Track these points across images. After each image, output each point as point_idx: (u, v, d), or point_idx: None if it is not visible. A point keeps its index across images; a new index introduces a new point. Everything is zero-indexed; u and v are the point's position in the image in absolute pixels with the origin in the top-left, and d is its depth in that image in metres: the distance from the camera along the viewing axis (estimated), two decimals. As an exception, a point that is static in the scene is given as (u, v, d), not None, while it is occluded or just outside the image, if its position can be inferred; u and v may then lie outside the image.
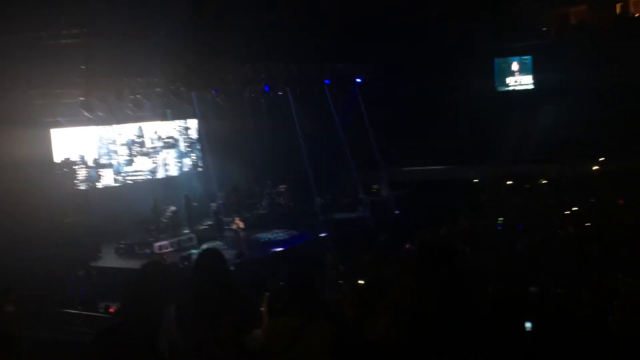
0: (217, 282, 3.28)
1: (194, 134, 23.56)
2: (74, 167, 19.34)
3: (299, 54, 20.96)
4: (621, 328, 4.62)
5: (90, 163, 19.85)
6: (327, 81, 23.20)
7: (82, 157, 19.60)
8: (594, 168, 20.52)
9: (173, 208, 20.08)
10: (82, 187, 19.50)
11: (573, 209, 14.83)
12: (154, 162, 22.09)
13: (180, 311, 2.83)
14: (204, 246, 18.52)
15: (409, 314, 3.11)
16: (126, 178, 21.03)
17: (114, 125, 20.23)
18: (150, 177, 21.91)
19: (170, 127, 22.74)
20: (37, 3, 14.84)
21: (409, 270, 3.25)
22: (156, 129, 21.90)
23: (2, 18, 14.21)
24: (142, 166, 21.65)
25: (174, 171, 22.88)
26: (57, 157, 18.75)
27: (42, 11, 15.06)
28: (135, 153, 21.42)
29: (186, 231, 19.64)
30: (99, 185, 20.08)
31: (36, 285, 12.04)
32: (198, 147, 23.63)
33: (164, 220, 19.59)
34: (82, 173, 19.59)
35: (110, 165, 20.54)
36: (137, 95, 18.40)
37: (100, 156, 20.19)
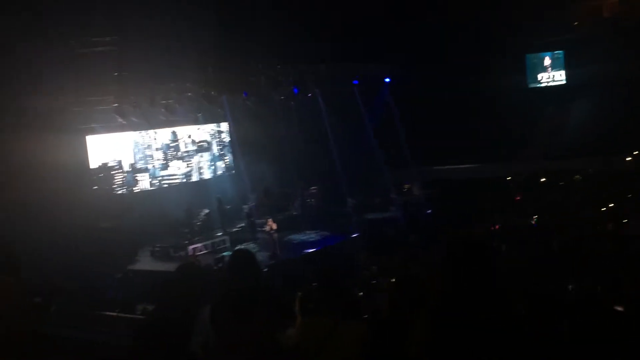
0: (249, 280, 3.33)
1: (225, 137, 23.79)
2: (111, 172, 19.71)
3: (327, 55, 21.00)
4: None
5: (127, 168, 20.22)
6: (355, 82, 23.21)
7: (119, 162, 19.96)
8: (627, 159, 20.11)
9: (206, 211, 20.32)
10: (120, 191, 19.87)
11: (610, 205, 14.56)
12: (187, 166, 22.36)
13: (213, 311, 2.88)
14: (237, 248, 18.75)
15: (442, 314, 3.09)
16: (162, 182, 21.36)
17: (149, 131, 20.58)
18: (185, 181, 22.20)
19: (203, 131, 23.00)
20: (69, 12, 15.11)
21: (439, 268, 3.24)
22: (189, 133, 22.16)
23: (37, 28, 14.53)
24: (176, 170, 21.94)
25: (207, 174, 23.12)
26: (94, 163, 19.10)
27: (74, 20, 15.36)
28: (170, 157, 21.74)
29: (219, 233, 19.84)
30: (136, 189, 20.44)
31: (76, 288, 12.29)
32: (230, 150, 23.84)
33: (198, 223, 19.83)
34: (119, 178, 19.95)
35: (146, 170, 20.88)
36: (169, 101, 18.70)
37: (136, 161, 20.54)
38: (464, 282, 3.05)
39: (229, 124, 22.91)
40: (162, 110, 18.94)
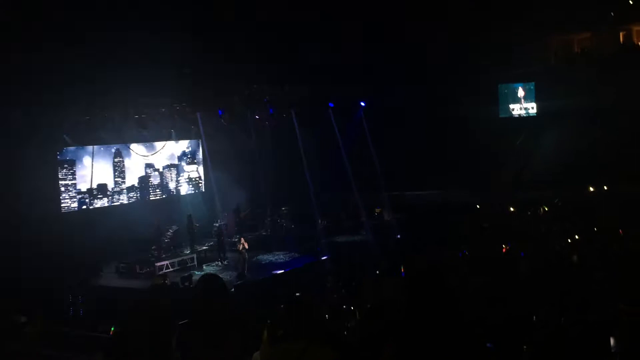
0: (218, 308, 3.28)
1: (198, 154, 23.67)
2: (78, 187, 19.42)
3: (303, 77, 21.12)
4: (623, 354, 4.60)
5: (98, 182, 19.98)
6: (331, 104, 23.38)
7: (90, 176, 19.70)
8: (591, 189, 20.58)
9: (175, 227, 20.09)
10: (85, 206, 19.53)
11: (576, 237, 14.78)
12: (158, 182, 22.17)
13: (182, 337, 2.83)
14: (205, 267, 18.55)
15: (406, 341, 3.08)
16: (131, 197, 21.11)
17: (121, 145, 20.41)
18: (156, 197, 21.97)
19: (175, 147, 22.85)
20: (52, 21, 14.93)
21: (401, 294, 3.24)
22: (162, 149, 21.97)
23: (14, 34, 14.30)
24: (146, 185, 21.73)
25: (177, 191, 22.94)
26: (63, 174, 18.86)
27: (52, 29, 15.16)
28: (140, 172, 21.53)
29: (187, 251, 19.62)
30: (103, 204, 20.13)
31: (38, 305, 12.00)
32: (202, 167, 23.72)
33: (166, 240, 19.60)
34: (87, 193, 19.65)
35: (116, 184, 20.68)
36: (143, 115, 18.56)
37: (104, 175, 20.28)
38: (422, 309, 3.06)
39: (202, 141, 22.81)
40: (135, 125, 18.78)
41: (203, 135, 21.99)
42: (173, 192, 22.72)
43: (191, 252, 19.40)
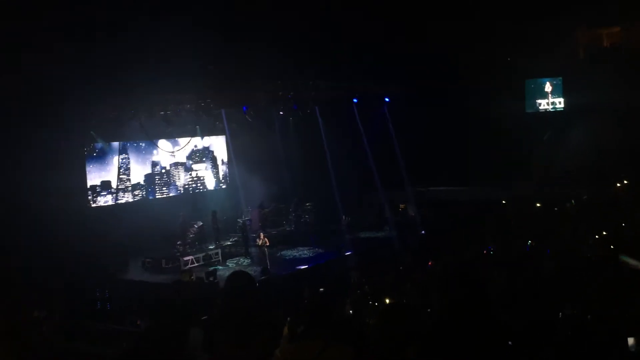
0: (248, 305, 3.27)
1: (223, 150, 23.84)
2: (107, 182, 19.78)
3: (328, 73, 21.09)
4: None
5: (126, 178, 20.35)
6: (355, 100, 23.33)
7: (119, 170, 20.05)
8: (618, 185, 20.24)
9: (200, 223, 20.29)
10: (111, 202, 19.85)
11: (603, 233, 14.56)
12: (184, 178, 22.41)
13: (210, 334, 2.85)
14: (229, 262, 18.71)
15: (437, 342, 3.08)
16: (157, 192, 21.38)
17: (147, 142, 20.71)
18: (181, 193, 22.22)
19: (200, 144, 23.06)
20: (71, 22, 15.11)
21: (434, 297, 3.25)
22: (187, 146, 22.19)
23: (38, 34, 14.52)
24: (174, 181, 22.01)
25: (202, 187, 23.16)
26: (90, 170, 19.27)
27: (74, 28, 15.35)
28: (167, 168, 21.80)
29: (212, 247, 19.80)
30: (130, 199, 20.44)
31: (65, 299, 12.23)
32: (227, 163, 23.89)
33: (191, 235, 19.79)
34: (114, 189, 19.98)
35: (144, 180, 21.04)
36: (168, 112, 18.73)
37: (132, 172, 20.60)
38: (459, 312, 3.05)
39: (226, 137, 22.96)
40: (161, 121, 18.97)
41: (228, 132, 22.13)
42: (198, 187, 22.95)
43: (216, 248, 19.58)
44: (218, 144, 23.76)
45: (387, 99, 24.70)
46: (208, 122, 21.13)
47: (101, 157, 19.72)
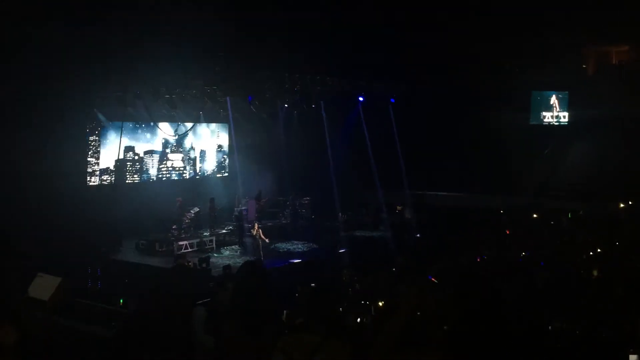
0: (258, 296, 3.25)
1: (225, 138, 23.82)
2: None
3: (336, 69, 21.08)
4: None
5: (130, 157, 20.49)
6: (360, 97, 23.32)
7: (115, 152, 20.00)
8: (621, 206, 20.21)
9: (196, 209, 20.27)
10: (108, 182, 19.84)
11: (598, 250, 14.56)
12: (184, 162, 22.39)
13: (213, 316, 2.85)
14: (223, 250, 18.70)
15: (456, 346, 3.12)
16: (157, 175, 21.39)
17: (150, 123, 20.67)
18: (178, 178, 22.21)
19: (203, 130, 23.03)
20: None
21: (446, 300, 3.27)
22: (189, 130, 22.14)
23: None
24: (173, 164, 21.99)
25: (201, 173, 23.15)
26: (92, 149, 19.23)
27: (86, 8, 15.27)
28: (167, 151, 21.78)
29: (206, 233, 19.79)
30: (128, 180, 20.44)
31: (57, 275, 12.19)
32: (227, 152, 23.86)
33: (187, 221, 19.78)
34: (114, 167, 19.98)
35: (143, 162, 21.06)
36: (173, 95, 18.69)
37: (133, 153, 20.60)
38: (476, 320, 3.09)
39: (229, 125, 22.93)
40: (165, 104, 18.95)
41: (231, 120, 22.09)
42: (198, 173, 22.94)
43: (210, 235, 19.57)
44: (220, 132, 23.74)
45: (392, 100, 24.69)
46: (212, 108, 21.10)
47: (102, 136, 19.66)
